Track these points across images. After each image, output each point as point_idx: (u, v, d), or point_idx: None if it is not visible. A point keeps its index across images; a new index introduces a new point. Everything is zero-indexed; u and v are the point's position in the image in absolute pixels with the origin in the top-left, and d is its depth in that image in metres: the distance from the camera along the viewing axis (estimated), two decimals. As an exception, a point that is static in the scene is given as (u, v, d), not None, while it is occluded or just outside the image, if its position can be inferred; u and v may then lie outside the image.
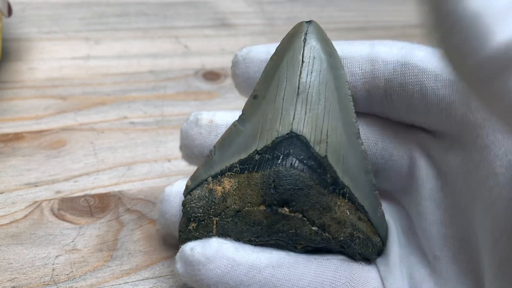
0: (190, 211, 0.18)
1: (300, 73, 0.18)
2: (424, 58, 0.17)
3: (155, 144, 0.27)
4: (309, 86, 0.18)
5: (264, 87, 0.19)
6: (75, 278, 0.20)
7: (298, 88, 0.18)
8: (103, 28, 0.37)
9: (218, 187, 0.18)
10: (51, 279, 0.20)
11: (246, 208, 0.18)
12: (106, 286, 0.20)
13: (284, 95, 0.18)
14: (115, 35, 0.36)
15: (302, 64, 0.18)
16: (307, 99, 0.18)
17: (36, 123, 0.27)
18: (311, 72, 0.18)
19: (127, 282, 0.20)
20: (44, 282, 0.20)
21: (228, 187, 0.18)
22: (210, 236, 0.18)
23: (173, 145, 0.27)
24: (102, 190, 0.24)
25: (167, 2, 0.41)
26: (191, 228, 0.18)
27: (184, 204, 0.19)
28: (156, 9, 0.40)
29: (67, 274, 0.20)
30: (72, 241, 0.22)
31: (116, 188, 0.24)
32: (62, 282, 0.20)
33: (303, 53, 0.18)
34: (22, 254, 0.21)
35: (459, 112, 0.17)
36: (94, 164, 0.25)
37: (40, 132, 0.27)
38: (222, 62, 0.34)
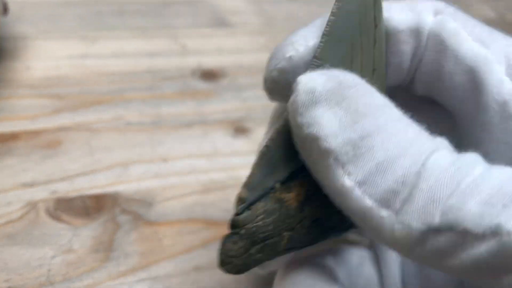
0: (256, 231, 0.14)
1: (375, 42, 0.16)
2: (451, 31, 0.16)
3: (152, 144, 0.27)
4: (380, 60, 0.16)
5: (332, 55, 0.15)
6: (71, 278, 0.20)
7: (374, 62, 0.16)
8: (100, 27, 0.36)
9: (290, 194, 0.15)
10: (47, 279, 0.20)
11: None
12: (102, 287, 0.20)
13: (361, 70, 0.15)
14: (112, 34, 0.36)
15: (375, 29, 0.15)
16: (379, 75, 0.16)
17: (32, 122, 0.27)
18: (381, 40, 0.16)
19: (123, 283, 0.20)
20: (40, 282, 0.20)
21: (303, 193, 0.15)
22: (278, 254, 0.15)
23: (170, 145, 0.27)
24: (99, 190, 0.24)
25: (164, 0, 0.41)
26: (253, 251, 0.15)
27: (243, 224, 0.14)
28: (153, 8, 0.40)
29: (63, 275, 0.20)
30: (68, 242, 0.21)
31: (112, 189, 0.24)
32: (58, 282, 0.20)
33: (374, 15, 0.15)
34: (18, 254, 0.21)
35: (470, 106, 0.16)
36: (90, 164, 0.25)
37: (36, 132, 0.27)
38: (220, 61, 0.34)
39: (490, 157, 0.14)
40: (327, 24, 0.15)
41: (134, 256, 0.21)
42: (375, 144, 0.12)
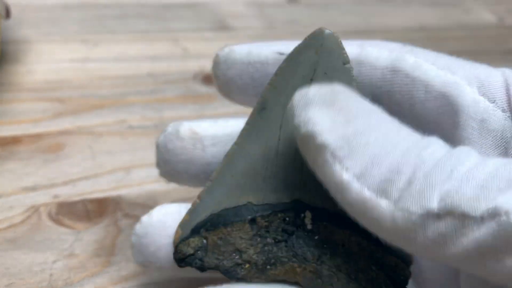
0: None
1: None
2: (415, 65, 0.17)
3: (153, 148, 0.27)
4: None
5: (273, 97, 0.17)
6: (73, 283, 0.20)
7: None
8: (101, 30, 0.36)
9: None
10: (49, 284, 0.20)
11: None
12: (104, 292, 0.20)
13: None
14: (114, 38, 0.36)
15: (311, 82, 0.17)
16: None
17: (34, 126, 0.27)
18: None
19: (125, 288, 0.20)
20: (41, 287, 0.20)
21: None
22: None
23: (171, 149, 0.27)
24: (100, 194, 0.24)
25: (166, 4, 0.41)
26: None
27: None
28: (155, 12, 0.40)
29: (65, 280, 0.20)
30: (70, 246, 0.21)
31: (114, 193, 0.24)
32: (60, 287, 0.20)
33: (315, 70, 0.17)
34: (19, 259, 0.21)
35: (447, 126, 0.16)
36: (92, 168, 0.25)
37: (38, 136, 0.27)
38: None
39: None
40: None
41: (136, 260, 0.21)
42: (370, 140, 0.13)
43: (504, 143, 0.16)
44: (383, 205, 0.12)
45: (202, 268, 0.16)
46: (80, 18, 0.37)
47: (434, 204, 0.12)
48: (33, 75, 0.31)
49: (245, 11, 0.42)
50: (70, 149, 0.26)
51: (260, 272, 0.16)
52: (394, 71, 0.17)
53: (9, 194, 0.23)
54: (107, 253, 0.21)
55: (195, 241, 0.16)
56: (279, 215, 0.16)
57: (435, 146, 0.13)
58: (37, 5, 0.38)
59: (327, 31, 0.17)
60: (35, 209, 0.23)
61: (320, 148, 0.13)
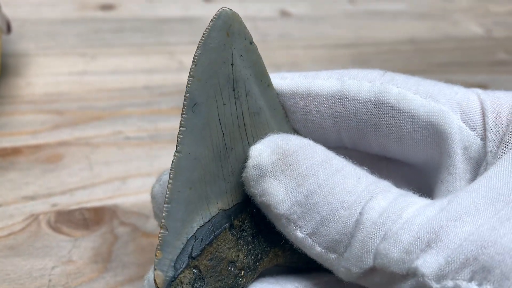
0: None
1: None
2: (399, 96, 0.17)
3: (149, 158, 0.28)
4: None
5: (201, 90, 0.16)
6: (70, 289, 0.21)
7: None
8: (99, 44, 0.37)
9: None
10: (47, 290, 0.21)
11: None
12: (101, 296, 0.21)
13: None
14: (111, 51, 0.37)
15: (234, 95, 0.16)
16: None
17: (34, 137, 0.28)
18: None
19: (121, 293, 0.21)
20: (40, 293, 0.21)
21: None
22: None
23: (167, 160, 0.28)
24: (97, 203, 0.25)
25: (162, 18, 0.42)
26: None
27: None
28: (151, 25, 0.41)
29: (63, 285, 0.21)
30: (68, 253, 0.22)
31: (110, 202, 0.25)
32: (58, 293, 0.21)
33: (232, 53, 0.16)
34: (19, 265, 0.22)
35: (435, 154, 0.17)
36: (89, 178, 0.26)
37: (37, 147, 0.28)
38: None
39: (451, 193, 0.16)
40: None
41: (132, 266, 0.22)
42: (319, 200, 0.15)
43: (478, 170, 0.16)
44: (332, 258, 0.15)
45: None
46: (78, 32, 0.38)
47: (370, 262, 0.14)
48: (33, 88, 0.32)
49: (239, 25, 0.43)
50: (68, 159, 0.27)
51: (253, 272, 0.16)
52: (378, 104, 0.17)
53: (10, 203, 0.24)
54: (103, 259, 0.22)
55: (186, 276, 0.15)
56: (248, 210, 0.16)
57: (377, 199, 0.14)
58: (36, 19, 0.39)
59: (231, 11, 0.16)
60: (34, 217, 0.24)
61: (276, 216, 0.15)
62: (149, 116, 0.31)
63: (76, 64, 0.35)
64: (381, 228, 0.14)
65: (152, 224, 0.24)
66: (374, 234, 0.14)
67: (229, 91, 0.16)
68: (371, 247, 0.14)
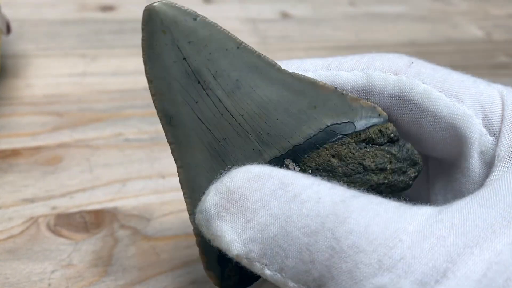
0: None
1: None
2: (424, 94, 0.16)
3: (149, 160, 0.28)
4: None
5: (169, 102, 0.16)
6: (70, 293, 0.21)
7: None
8: (99, 45, 0.37)
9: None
10: (47, 294, 0.21)
11: None
12: (101, 301, 0.21)
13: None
14: (111, 52, 0.37)
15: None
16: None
17: (33, 139, 0.28)
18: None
19: (121, 297, 0.21)
20: (40, 297, 0.20)
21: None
22: None
23: (167, 162, 0.28)
24: (98, 206, 0.25)
25: (162, 20, 0.42)
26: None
27: None
28: (152, 27, 0.41)
29: (63, 289, 0.21)
30: (68, 257, 0.22)
31: (111, 204, 0.25)
32: (58, 297, 0.21)
33: (178, 47, 0.15)
34: (18, 269, 0.21)
35: (452, 155, 0.17)
36: (89, 181, 0.26)
37: (37, 149, 0.27)
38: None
39: (462, 195, 0.15)
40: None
41: (132, 270, 0.22)
42: (276, 232, 0.13)
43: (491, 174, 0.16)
44: None
45: None
46: (79, 33, 0.38)
47: None
48: (32, 89, 0.32)
49: (239, 27, 0.43)
50: (68, 161, 0.27)
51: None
52: (403, 100, 0.16)
53: (9, 206, 0.24)
54: (104, 263, 0.22)
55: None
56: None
57: (350, 222, 0.12)
58: (36, 20, 0.39)
59: (154, 8, 0.15)
60: (34, 220, 0.23)
61: (236, 257, 0.14)
62: (149, 118, 0.31)
63: (76, 65, 0.35)
64: (372, 257, 0.12)
65: (152, 227, 0.24)
66: (364, 264, 0.12)
67: (194, 86, 0.16)
68: (362, 279, 0.12)
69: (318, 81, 0.16)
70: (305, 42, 0.42)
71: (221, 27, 0.16)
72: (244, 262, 0.14)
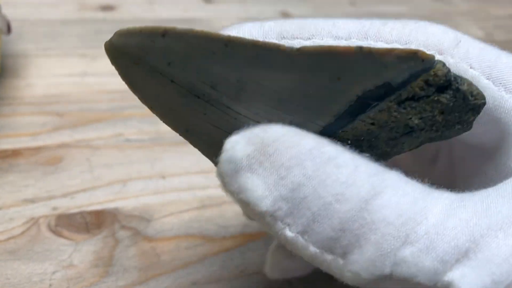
0: None
1: None
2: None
3: (150, 161, 0.28)
4: None
5: (179, 116, 0.15)
6: (71, 293, 0.21)
7: None
8: (99, 45, 0.37)
9: None
10: (48, 294, 0.21)
11: None
12: (102, 301, 0.21)
13: None
14: (112, 52, 0.37)
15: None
16: None
17: (33, 139, 0.28)
18: None
19: (122, 298, 0.21)
20: (40, 297, 0.20)
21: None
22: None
23: (168, 162, 0.28)
24: (98, 206, 0.25)
25: (162, 20, 0.42)
26: None
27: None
28: (152, 27, 0.41)
29: (64, 290, 0.21)
30: (69, 257, 0.22)
31: (111, 205, 0.25)
32: (59, 297, 0.20)
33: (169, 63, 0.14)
34: (19, 269, 0.21)
35: (489, 149, 0.16)
36: (90, 181, 0.26)
37: (37, 149, 0.27)
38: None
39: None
40: None
41: (133, 271, 0.22)
42: (308, 194, 0.12)
43: None
44: (329, 259, 0.13)
45: None
46: (79, 33, 0.38)
47: (387, 270, 0.12)
48: (32, 89, 0.32)
49: (240, 27, 0.43)
50: (69, 162, 0.27)
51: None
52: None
53: (9, 206, 0.24)
54: (105, 263, 0.22)
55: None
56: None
57: (385, 195, 0.12)
58: (36, 20, 0.39)
59: (113, 44, 0.14)
60: (34, 221, 0.23)
61: (260, 214, 0.13)
62: (150, 118, 0.31)
63: (77, 65, 0.35)
64: (401, 230, 0.12)
65: (153, 228, 0.24)
66: (392, 236, 0.12)
67: (195, 102, 0.14)
68: (388, 251, 0.12)
69: (334, 46, 0.13)
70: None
71: (197, 31, 0.13)
72: (267, 220, 0.13)
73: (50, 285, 0.21)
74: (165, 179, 0.27)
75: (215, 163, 0.14)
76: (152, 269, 0.22)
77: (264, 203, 0.13)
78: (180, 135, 0.15)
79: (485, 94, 0.14)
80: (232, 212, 0.25)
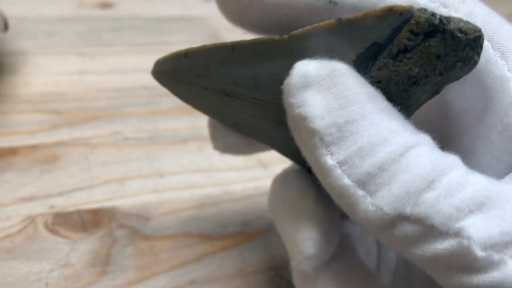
0: None
1: None
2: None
3: (148, 159, 0.28)
4: None
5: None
6: (68, 293, 0.21)
7: None
8: (97, 43, 0.37)
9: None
10: (45, 294, 0.20)
11: None
12: (99, 301, 0.20)
13: None
14: (110, 50, 0.36)
15: None
16: None
17: (31, 137, 0.28)
18: None
19: (119, 297, 0.21)
20: (37, 297, 0.20)
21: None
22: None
23: (166, 161, 0.28)
24: (96, 205, 0.24)
25: (161, 17, 0.42)
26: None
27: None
28: (150, 25, 0.41)
29: (61, 289, 0.21)
30: (66, 256, 0.22)
31: (109, 204, 0.25)
32: (56, 297, 0.20)
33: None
34: (16, 268, 0.21)
35: (471, 118, 0.16)
36: (88, 179, 0.26)
37: (34, 147, 0.27)
38: None
39: (480, 169, 0.15)
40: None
41: (131, 270, 0.22)
42: (359, 130, 0.13)
43: None
44: (359, 195, 0.13)
45: None
46: (77, 31, 0.38)
47: (407, 209, 0.12)
48: (30, 87, 0.32)
49: (239, 25, 0.43)
50: (66, 160, 0.27)
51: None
52: None
53: (6, 205, 0.24)
54: (102, 262, 0.22)
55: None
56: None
57: (422, 147, 0.13)
58: (34, 17, 0.39)
59: (155, 74, 0.18)
60: (31, 220, 0.23)
61: (310, 132, 0.14)
62: (148, 117, 0.31)
63: (75, 63, 0.34)
64: (429, 175, 0.12)
65: (151, 227, 0.24)
66: (421, 178, 0.12)
67: (230, 100, 0.16)
68: (414, 189, 0.12)
69: (316, 25, 0.14)
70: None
71: (208, 45, 0.16)
72: (313, 142, 0.14)
73: (47, 284, 0.21)
74: (163, 177, 0.27)
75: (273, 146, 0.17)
76: (149, 268, 0.22)
77: (319, 123, 0.13)
78: (232, 128, 0.18)
79: (482, 55, 0.14)
80: (230, 211, 0.25)
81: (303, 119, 0.14)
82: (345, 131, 0.13)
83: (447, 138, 0.17)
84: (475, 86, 0.15)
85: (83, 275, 0.21)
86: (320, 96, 0.14)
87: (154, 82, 0.35)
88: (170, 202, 0.25)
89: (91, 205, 0.24)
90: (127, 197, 0.25)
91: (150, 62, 0.35)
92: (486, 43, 0.15)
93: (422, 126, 0.15)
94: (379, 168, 0.13)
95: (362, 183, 0.13)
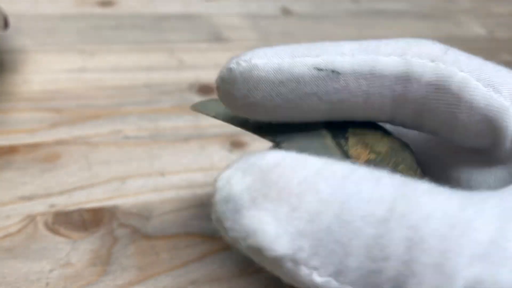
0: None
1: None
2: (462, 83, 0.15)
3: (149, 158, 0.27)
4: None
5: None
6: (68, 292, 0.20)
7: None
8: (98, 41, 0.37)
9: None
10: (45, 293, 0.20)
11: None
12: (100, 301, 0.20)
13: None
14: (110, 48, 0.36)
15: None
16: None
17: (31, 136, 0.28)
18: None
19: (120, 297, 0.21)
20: (37, 296, 0.20)
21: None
22: None
23: (167, 159, 0.27)
24: (96, 204, 0.24)
25: (162, 15, 0.41)
26: None
27: None
28: (151, 23, 0.40)
29: (61, 289, 0.20)
30: (66, 255, 0.22)
31: (110, 203, 0.24)
32: (56, 296, 0.20)
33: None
34: (16, 268, 0.21)
35: (483, 147, 0.16)
36: (88, 178, 0.26)
37: (34, 145, 0.27)
38: (217, 76, 0.35)
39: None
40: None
41: (131, 270, 0.22)
42: (330, 222, 0.10)
43: None
44: None
45: None
46: (77, 29, 0.38)
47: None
48: (30, 85, 0.31)
49: (240, 23, 0.42)
50: (67, 159, 0.26)
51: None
52: (440, 89, 0.15)
53: (6, 204, 0.24)
54: (103, 262, 0.22)
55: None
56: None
57: (426, 204, 0.10)
58: (34, 15, 0.39)
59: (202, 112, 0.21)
60: (31, 219, 0.23)
61: (277, 261, 0.11)
62: (149, 115, 0.30)
63: (75, 61, 0.34)
64: (460, 243, 0.10)
65: (152, 226, 0.24)
66: (454, 252, 0.09)
67: None
68: (454, 272, 0.09)
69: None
70: (307, 39, 0.41)
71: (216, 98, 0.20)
72: (288, 267, 0.11)
73: (47, 284, 0.21)
74: (164, 176, 0.26)
75: None
76: (150, 267, 0.22)
77: (280, 245, 0.11)
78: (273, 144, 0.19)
79: (476, 94, 0.15)
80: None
81: (259, 250, 0.11)
82: (315, 233, 0.10)
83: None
84: (480, 123, 0.16)
85: (84, 274, 0.21)
86: (261, 213, 0.11)
87: (155, 80, 0.35)
88: (171, 201, 0.25)
89: (91, 204, 0.24)
90: (127, 196, 0.25)
91: (150, 60, 0.35)
92: (476, 83, 0.15)
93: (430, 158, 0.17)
94: (382, 259, 0.10)
95: (375, 285, 0.10)
